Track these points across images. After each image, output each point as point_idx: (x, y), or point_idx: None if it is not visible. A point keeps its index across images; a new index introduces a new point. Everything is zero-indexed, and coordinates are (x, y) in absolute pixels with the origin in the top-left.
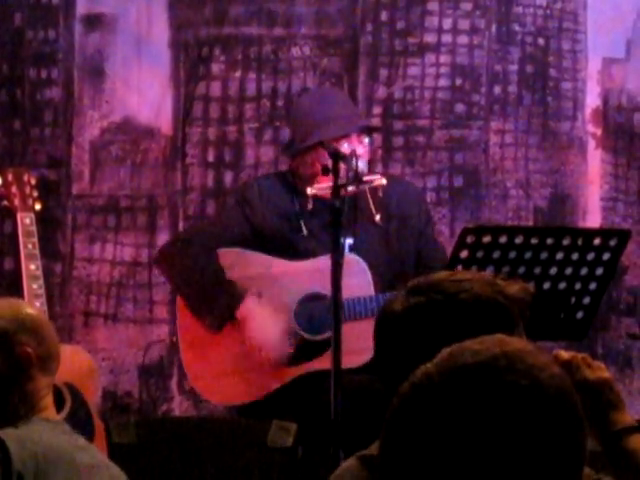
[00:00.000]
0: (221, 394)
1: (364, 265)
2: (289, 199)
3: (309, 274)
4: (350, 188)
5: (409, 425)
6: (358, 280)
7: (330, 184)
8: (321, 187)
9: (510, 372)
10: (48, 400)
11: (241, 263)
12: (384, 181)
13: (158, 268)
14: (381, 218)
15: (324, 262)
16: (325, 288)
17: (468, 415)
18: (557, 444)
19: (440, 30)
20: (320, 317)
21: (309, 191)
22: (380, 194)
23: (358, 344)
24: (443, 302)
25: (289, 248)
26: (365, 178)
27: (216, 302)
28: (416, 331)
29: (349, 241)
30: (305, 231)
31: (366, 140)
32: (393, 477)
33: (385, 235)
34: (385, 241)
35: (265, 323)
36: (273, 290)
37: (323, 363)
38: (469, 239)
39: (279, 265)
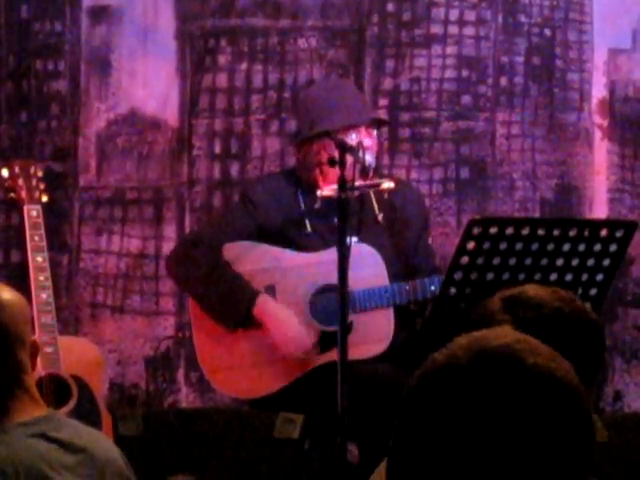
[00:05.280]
0: (237, 387)
1: (378, 256)
2: (294, 197)
3: (322, 266)
4: (356, 190)
5: (430, 405)
6: (373, 271)
7: (352, 175)
8: (331, 188)
9: (533, 355)
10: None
11: (252, 255)
12: (392, 185)
13: (169, 276)
14: (383, 217)
15: (336, 254)
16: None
17: (494, 396)
18: (574, 428)
19: (446, 21)
20: (335, 308)
21: (319, 193)
22: (385, 196)
23: (376, 334)
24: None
25: (292, 246)
26: (374, 181)
27: (230, 305)
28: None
29: (354, 239)
30: (309, 228)
31: (374, 133)
32: (407, 462)
33: (388, 233)
34: (388, 239)
35: (284, 318)
36: (286, 283)
37: None
38: (476, 230)
39: (291, 257)
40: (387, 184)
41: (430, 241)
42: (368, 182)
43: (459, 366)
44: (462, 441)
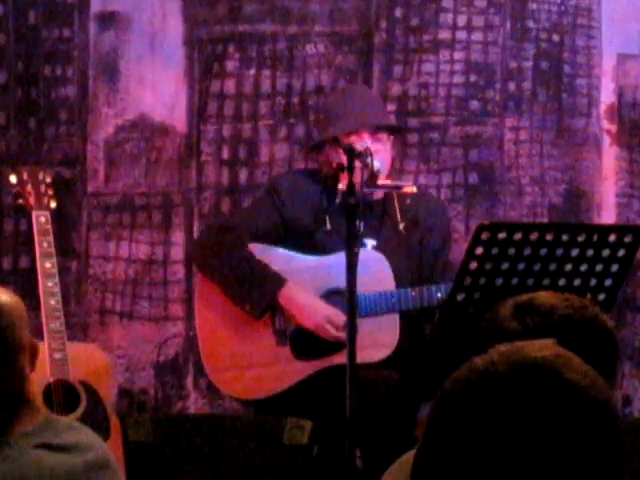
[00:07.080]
0: (241, 388)
1: (386, 262)
2: (318, 194)
3: (329, 269)
4: (379, 189)
5: (464, 410)
6: (380, 276)
7: (360, 180)
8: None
9: (571, 371)
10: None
11: (263, 259)
12: (414, 189)
13: (194, 259)
14: (405, 226)
15: (344, 258)
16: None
17: (528, 408)
18: (604, 447)
19: (454, 27)
20: (342, 312)
21: (340, 186)
22: (408, 202)
23: (380, 339)
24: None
25: (311, 242)
26: (396, 183)
27: (258, 288)
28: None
29: (372, 242)
30: (329, 226)
31: (385, 138)
32: (436, 465)
33: (407, 243)
34: (406, 248)
35: (312, 304)
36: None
37: (343, 358)
38: (484, 236)
39: (300, 261)
40: (410, 187)
41: (451, 257)
42: (391, 183)
43: (496, 374)
44: (492, 448)
